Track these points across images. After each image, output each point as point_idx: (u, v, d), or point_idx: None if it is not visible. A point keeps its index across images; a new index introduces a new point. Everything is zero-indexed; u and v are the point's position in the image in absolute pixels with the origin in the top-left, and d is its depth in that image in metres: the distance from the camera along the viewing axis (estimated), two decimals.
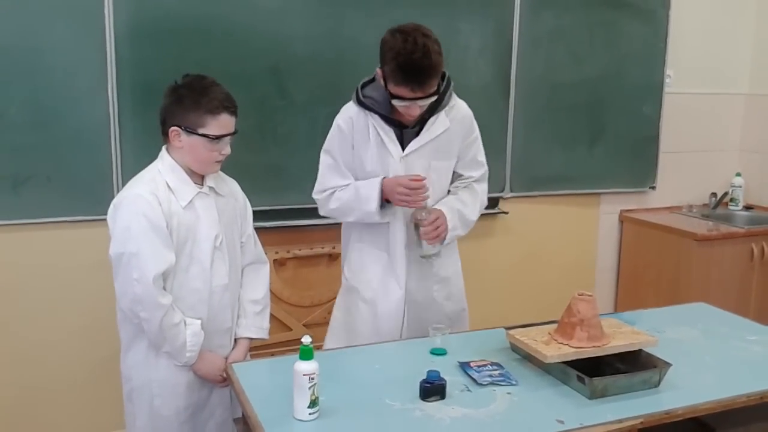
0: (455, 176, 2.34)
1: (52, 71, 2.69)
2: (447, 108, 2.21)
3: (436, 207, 2.22)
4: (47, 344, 2.88)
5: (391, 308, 2.28)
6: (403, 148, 2.20)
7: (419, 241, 2.18)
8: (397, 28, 2.05)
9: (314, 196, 2.31)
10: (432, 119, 2.19)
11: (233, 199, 2.13)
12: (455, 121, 2.23)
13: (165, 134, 1.98)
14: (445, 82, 2.17)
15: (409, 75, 2.00)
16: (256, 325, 2.16)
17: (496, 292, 3.63)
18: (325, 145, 2.26)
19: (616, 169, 3.88)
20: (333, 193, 2.25)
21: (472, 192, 2.33)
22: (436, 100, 2.13)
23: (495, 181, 3.54)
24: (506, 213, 3.65)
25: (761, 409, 1.86)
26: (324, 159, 2.27)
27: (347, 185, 2.24)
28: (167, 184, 1.95)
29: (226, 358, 2.08)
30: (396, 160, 2.19)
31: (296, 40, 3.03)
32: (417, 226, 2.17)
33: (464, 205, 2.28)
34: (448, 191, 2.33)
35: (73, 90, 2.73)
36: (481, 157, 2.36)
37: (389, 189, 2.16)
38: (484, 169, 2.37)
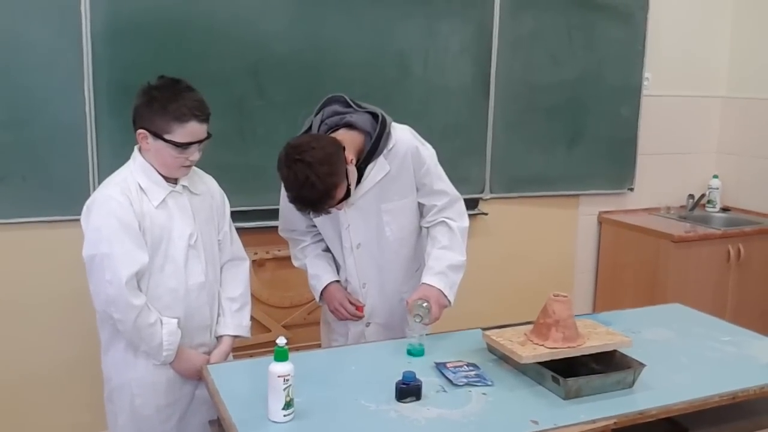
0: (421, 205, 2.26)
1: (28, 69, 2.66)
2: (385, 152, 2.12)
3: (427, 280, 2.14)
4: (24, 345, 2.84)
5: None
6: None
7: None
8: (285, 150, 1.94)
9: (281, 233, 2.37)
10: (370, 167, 2.12)
11: (209, 197, 2.12)
12: (395, 162, 2.14)
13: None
14: (379, 125, 2.08)
15: (303, 207, 1.99)
16: (234, 323, 2.15)
17: (475, 293, 3.60)
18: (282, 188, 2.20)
19: (594, 171, 3.90)
20: (297, 245, 2.34)
21: (448, 230, 2.22)
22: (371, 148, 2.09)
23: (475, 182, 3.57)
24: (486, 214, 3.66)
25: (733, 410, 1.88)
26: (283, 197, 2.18)
27: (310, 240, 2.33)
28: (139, 184, 1.94)
29: (209, 354, 2.08)
30: (341, 211, 2.14)
31: (275, 40, 3.02)
32: (414, 316, 2.06)
33: (447, 251, 2.19)
34: (425, 226, 2.29)
35: (49, 88, 2.70)
36: (440, 185, 2.22)
37: (330, 296, 2.28)
38: (447, 198, 2.23)
